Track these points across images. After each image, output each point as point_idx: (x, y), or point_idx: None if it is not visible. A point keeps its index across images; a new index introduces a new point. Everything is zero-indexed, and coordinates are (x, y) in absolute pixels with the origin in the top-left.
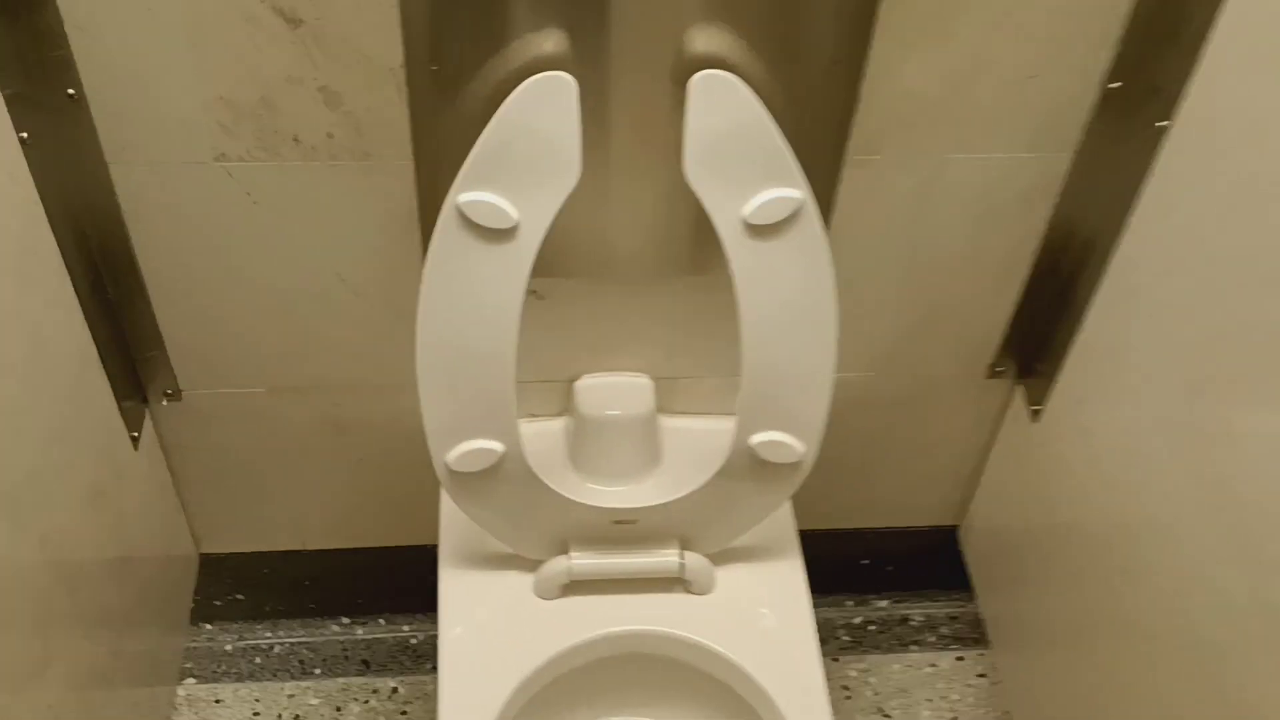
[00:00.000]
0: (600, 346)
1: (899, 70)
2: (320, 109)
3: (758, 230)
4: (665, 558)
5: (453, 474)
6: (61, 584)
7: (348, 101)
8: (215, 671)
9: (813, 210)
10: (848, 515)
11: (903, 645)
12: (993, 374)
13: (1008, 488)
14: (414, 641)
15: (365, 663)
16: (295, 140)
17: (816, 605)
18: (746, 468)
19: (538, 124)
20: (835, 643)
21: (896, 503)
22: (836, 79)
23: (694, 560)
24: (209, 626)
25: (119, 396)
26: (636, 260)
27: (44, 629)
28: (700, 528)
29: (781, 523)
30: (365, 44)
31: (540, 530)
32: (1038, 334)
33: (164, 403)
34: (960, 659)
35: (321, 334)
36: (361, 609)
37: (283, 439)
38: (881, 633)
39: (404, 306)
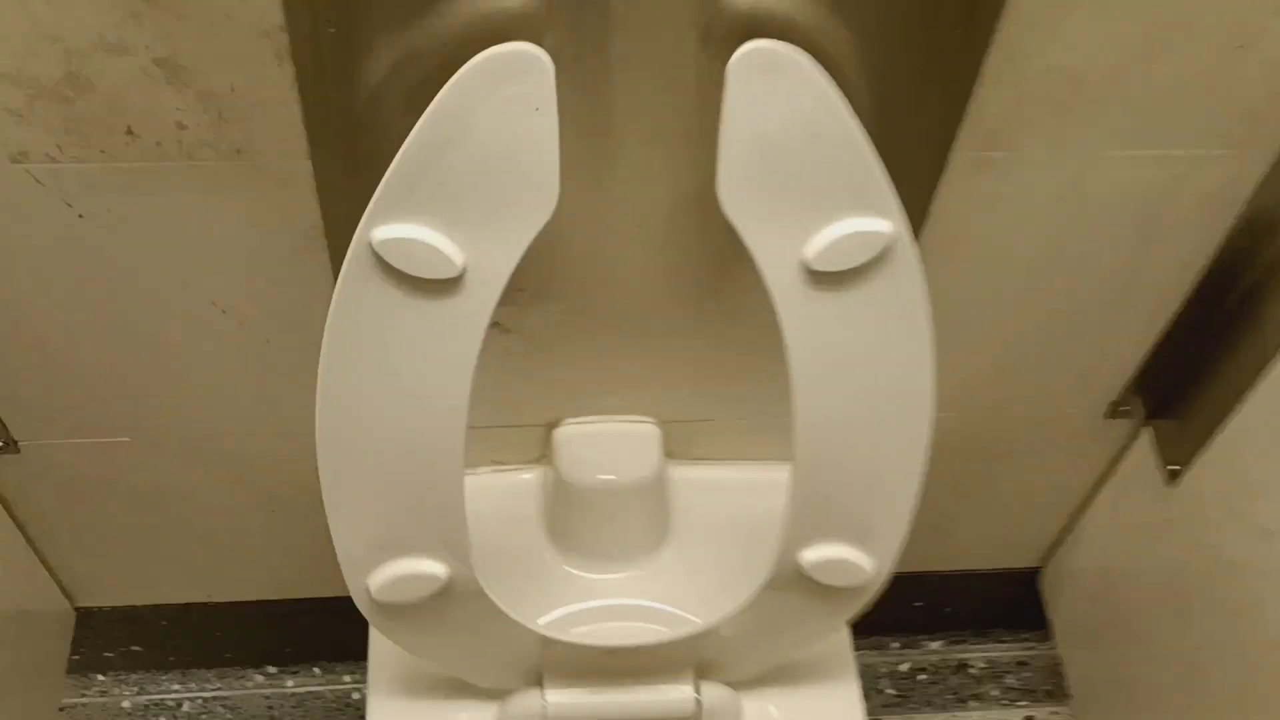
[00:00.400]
0: (588, 383)
1: (1046, 37)
2: (160, 89)
3: (824, 278)
4: (675, 694)
5: (376, 604)
6: None
7: (201, 78)
8: None
9: (907, 248)
10: (906, 560)
11: (960, 700)
12: (1115, 414)
13: (1119, 536)
14: (357, 696)
15: None
16: (129, 133)
17: (855, 647)
18: (794, 587)
19: (493, 124)
20: (877, 698)
21: (970, 549)
22: (950, 49)
23: (714, 695)
24: (101, 677)
25: None
26: (639, 289)
27: None
28: (725, 653)
29: (834, 639)
30: None
31: (504, 663)
32: (1184, 372)
33: None
34: (1029, 718)
35: (201, 375)
36: (291, 655)
37: (169, 493)
38: (934, 684)
39: (312, 339)
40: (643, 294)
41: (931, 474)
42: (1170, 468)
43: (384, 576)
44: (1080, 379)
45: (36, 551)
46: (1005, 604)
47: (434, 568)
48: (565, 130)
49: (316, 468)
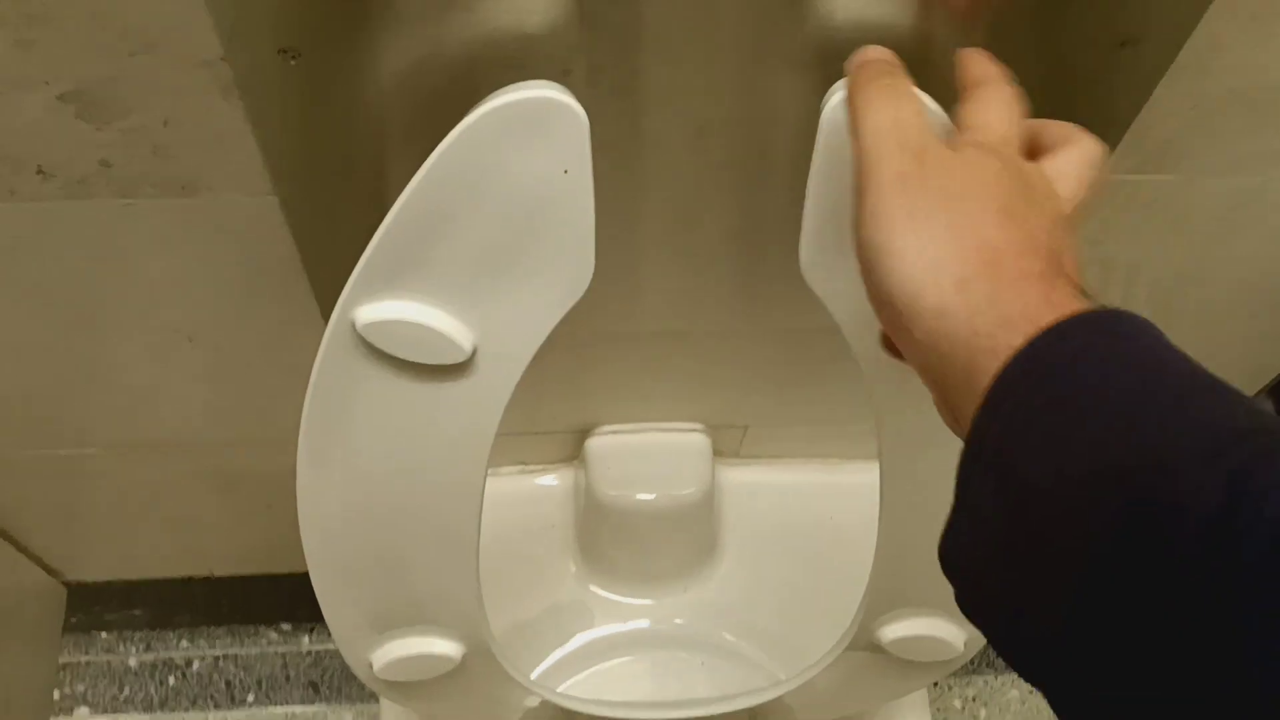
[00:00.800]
0: (624, 386)
1: (1242, 50)
2: (75, 126)
3: None
4: None
5: (381, 681)
6: None
7: (131, 113)
8: (115, 698)
9: None
10: None
11: None
12: None
13: None
14: None
15: (313, 685)
16: (39, 172)
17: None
18: (871, 660)
19: (511, 186)
20: None
21: None
22: (1119, 70)
23: None
24: (104, 636)
25: None
26: (688, 317)
27: None
28: (785, 713)
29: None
30: (137, 19)
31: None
32: None
33: None
34: None
35: (171, 394)
36: (306, 612)
37: (148, 496)
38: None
39: (295, 364)
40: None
41: None
42: None
43: (390, 656)
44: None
45: (13, 542)
46: None
47: (447, 648)
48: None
49: None
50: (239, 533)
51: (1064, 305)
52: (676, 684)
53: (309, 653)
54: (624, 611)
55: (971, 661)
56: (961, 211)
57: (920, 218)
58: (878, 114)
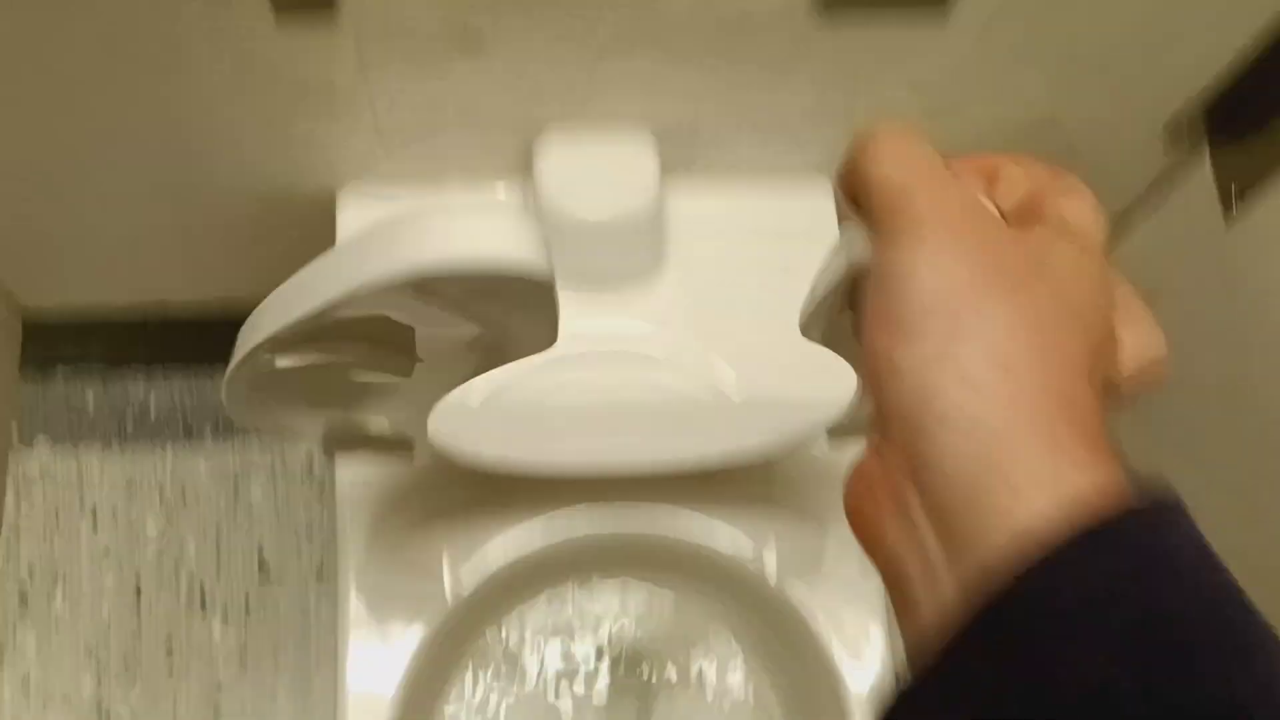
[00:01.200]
0: (570, 85)
1: None
2: None
3: None
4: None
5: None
6: None
7: None
8: (76, 431)
9: None
10: None
11: None
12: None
13: None
14: None
15: None
16: None
17: None
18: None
19: None
20: None
21: None
22: None
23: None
24: (60, 370)
25: None
26: None
27: None
28: None
29: None
30: None
31: None
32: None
33: None
34: None
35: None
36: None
37: (105, 217)
38: None
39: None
40: None
41: None
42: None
43: None
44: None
45: None
46: None
47: None
48: None
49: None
50: (193, 256)
51: (1111, 480)
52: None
53: None
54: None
55: None
56: (1040, 309)
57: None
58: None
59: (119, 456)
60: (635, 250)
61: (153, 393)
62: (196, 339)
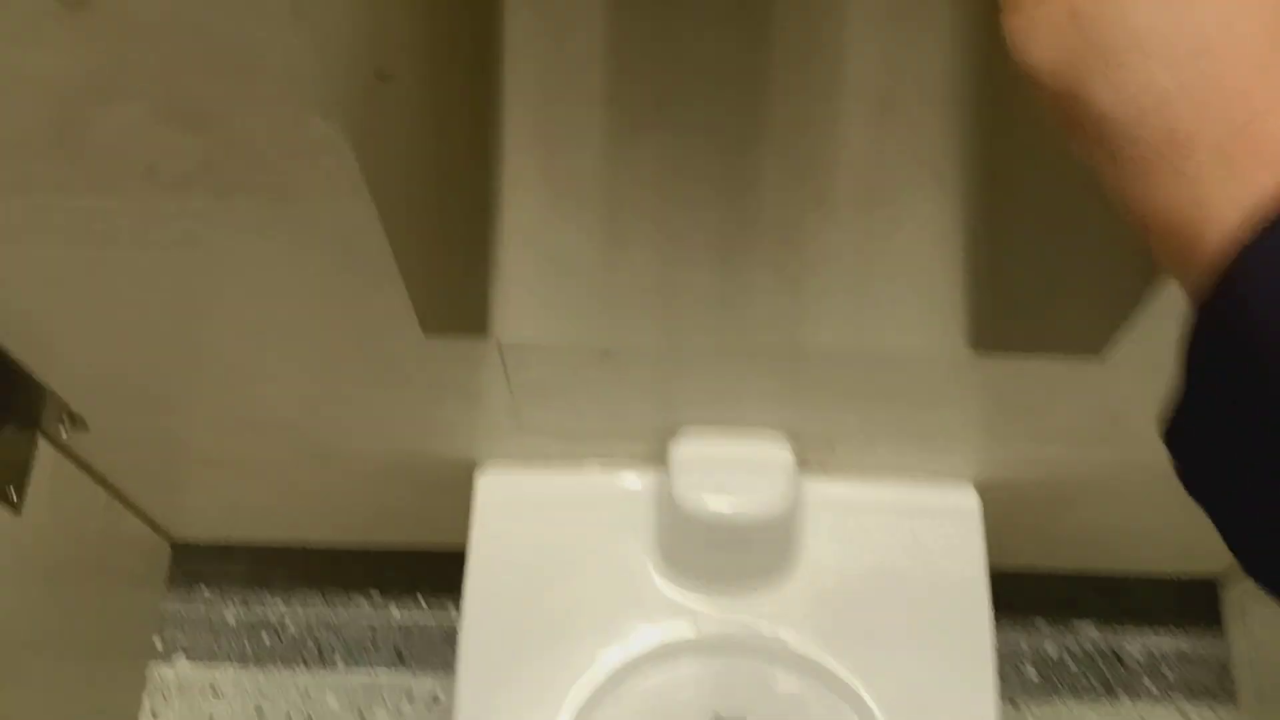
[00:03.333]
0: (707, 397)
1: None
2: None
3: None
4: None
5: None
6: None
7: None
8: (213, 649)
9: None
10: (1064, 559)
11: (1109, 691)
12: None
13: None
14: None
15: (399, 653)
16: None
17: (1002, 626)
18: None
19: None
20: (1017, 680)
21: (1149, 553)
22: None
23: None
24: (205, 590)
25: None
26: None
27: None
28: None
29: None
30: (235, 38)
31: None
32: None
33: (64, 434)
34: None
35: (271, 374)
36: (395, 583)
37: (248, 467)
38: (1083, 671)
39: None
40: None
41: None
42: None
43: None
44: None
45: (121, 499)
46: (1176, 587)
47: None
48: None
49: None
50: (334, 504)
51: None
52: (741, 694)
53: (397, 624)
54: (701, 618)
55: (1050, 680)
56: None
57: None
58: None
59: (252, 675)
60: (766, 550)
61: (289, 616)
62: (334, 567)
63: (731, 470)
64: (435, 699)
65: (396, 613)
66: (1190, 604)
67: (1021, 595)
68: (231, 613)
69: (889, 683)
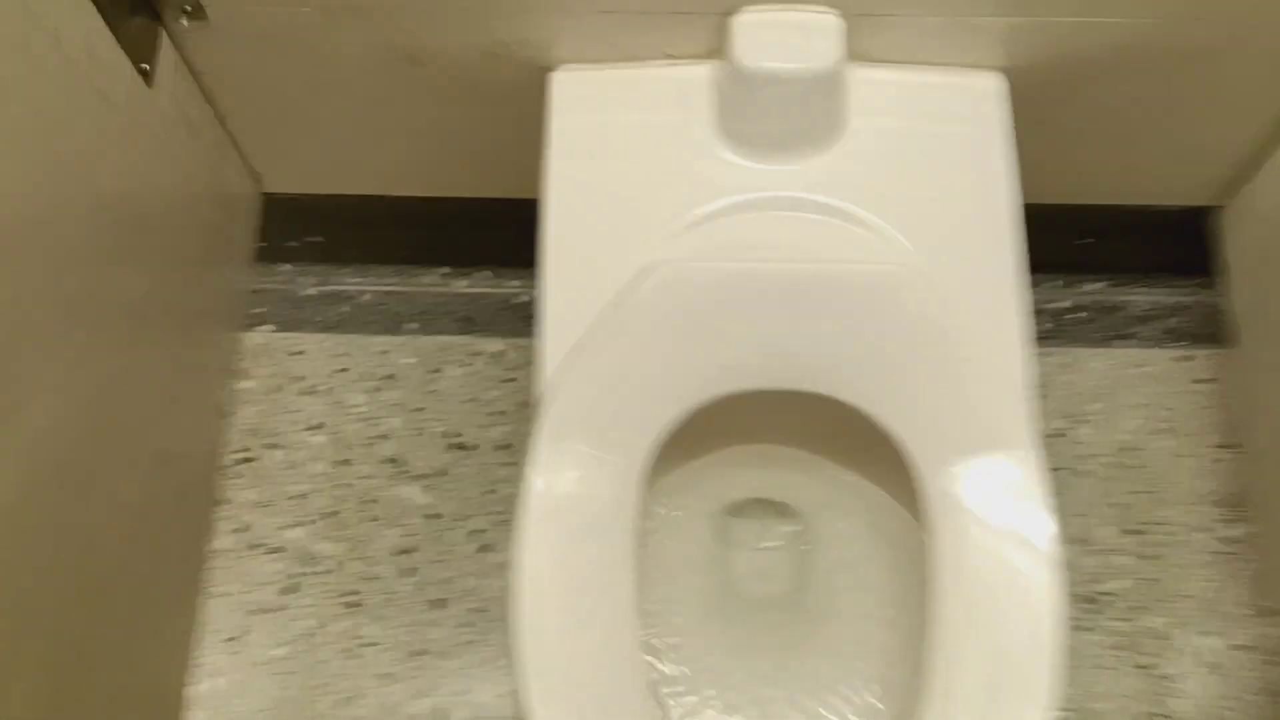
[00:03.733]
0: None
1: None
2: None
3: None
4: None
5: None
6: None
7: None
8: (295, 318)
9: None
10: (1076, 190)
11: (1112, 338)
12: None
13: None
14: (522, 299)
15: (467, 319)
16: None
17: None
18: None
19: None
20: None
21: (1144, 176)
22: None
23: None
24: (285, 266)
25: (116, 25)
26: None
27: (72, 251)
28: None
29: None
30: None
31: None
32: None
33: (184, 22)
34: (1183, 359)
35: None
36: (462, 258)
37: (345, 71)
38: (1089, 321)
39: None
40: None
41: (1115, 89)
42: None
43: None
44: None
45: (227, 132)
46: (1173, 241)
47: None
48: None
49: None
50: (414, 139)
51: None
52: (806, 242)
53: (464, 294)
54: (759, 177)
55: (1062, 331)
56: None
57: None
58: None
59: (334, 339)
60: (815, 114)
61: (364, 288)
62: (403, 246)
63: (786, 33)
64: (500, 354)
65: (463, 284)
66: (1185, 259)
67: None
68: (311, 288)
69: (922, 228)
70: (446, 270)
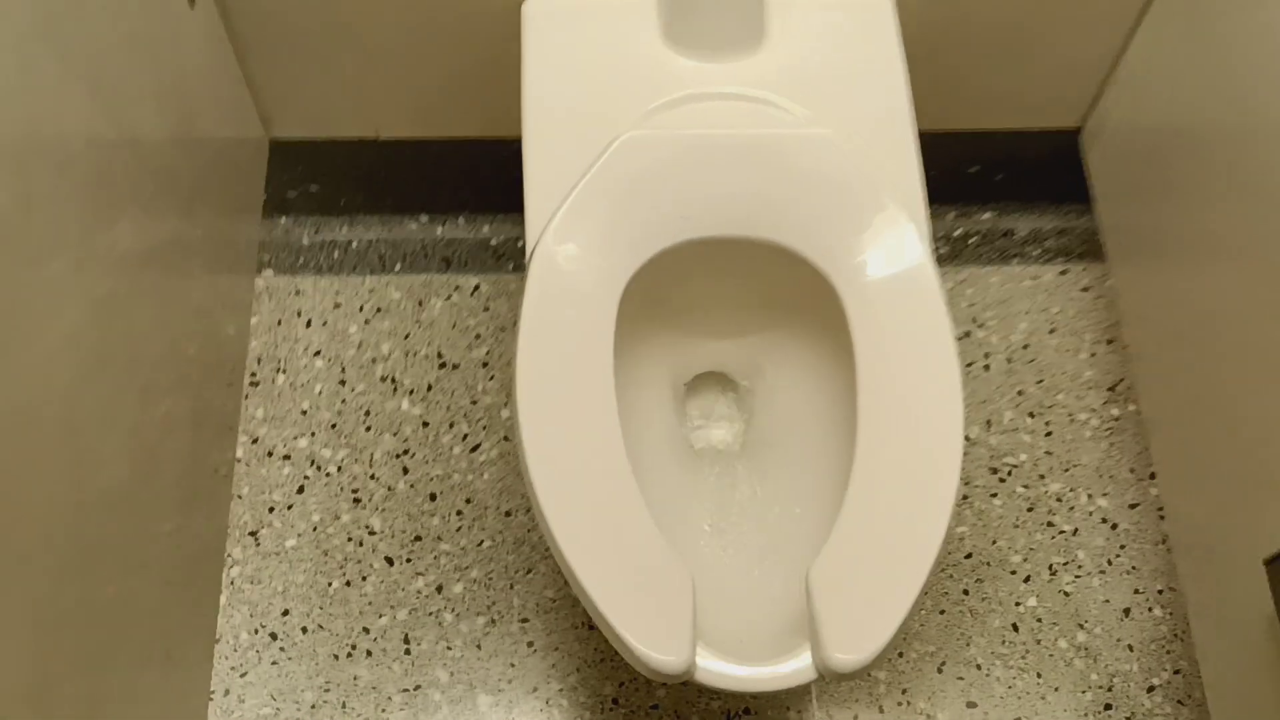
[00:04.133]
0: None
1: None
2: None
3: None
4: None
5: None
6: (120, 145)
7: None
8: (294, 264)
9: None
10: (963, 114)
11: (1004, 258)
12: None
13: (1152, 71)
14: (495, 242)
15: (446, 260)
16: None
17: None
18: None
19: None
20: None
21: (1018, 98)
22: None
23: None
24: (284, 219)
25: None
26: None
27: (106, 185)
28: None
29: None
30: None
31: None
32: None
33: None
34: (1064, 272)
35: None
36: (440, 206)
37: (349, 5)
38: (982, 245)
39: None
40: None
41: (978, 8)
42: None
43: None
44: None
45: (245, 73)
46: (1052, 171)
47: None
48: None
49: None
50: (405, 78)
51: None
52: (741, 122)
53: (442, 238)
54: (699, 73)
55: (959, 254)
56: None
57: None
58: None
59: (328, 280)
60: (741, 18)
61: (353, 236)
62: (389, 197)
63: None
64: (477, 288)
65: (441, 230)
66: (1065, 189)
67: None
68: (306, 236)
69: (832, 112)
70: (425, 218)
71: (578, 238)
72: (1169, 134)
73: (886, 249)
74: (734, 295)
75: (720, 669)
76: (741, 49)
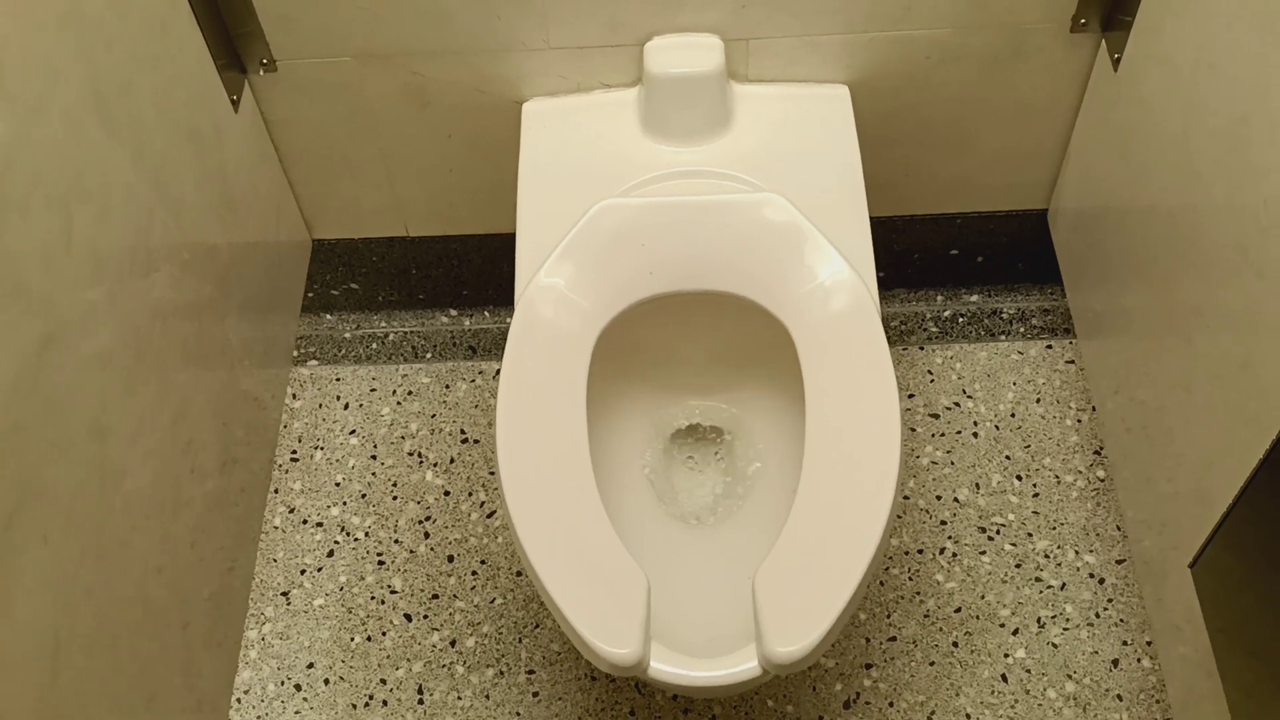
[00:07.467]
0: (669, 7)
1: None
2: None
3: None
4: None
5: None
6: (169, 216)
7: None
8: (336, 355)
9: None
10: (936, 199)
11: (992, 335)
12: (1076, 27)
13: (1094, 158)
14: None
15: (472, 348)
16: None
17: (906, 300)
18: None
19: None
20: (922, 333)
21: (984, 182)
22: None
23: None
24: (329, 316)
25: (218, 64)
26: None
27: (143, 237)
28: None
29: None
30: None
31: None
32: None
33: (261, 73)
34: (1049, 347)
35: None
36: (467, 301)
37: (371, 112)
38: (971, 324)
39: None
40: None
41: (939, 91)
42: (1115, 56)
43: None
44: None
45: (289, 180)
46: (1028, 253)
47: None
48: None
49: (481, 95)
50: (429, 181)
51: None
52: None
53: (469, 330)
54: (674, 157)
55: (948, 333)
56: None
57: None
58: None
59: (366, 369)
60: (709, 107)
61: (390, 329)
62: (422, 294)
63: (683, 50)
64: (498, 372)
65: (469, 322)
66: (1045, 268)
67: (918, 274)
68: (348, 330)
69: (791, 188)
70: (454, 312)
71: (558, 286)
72: (1116, 214)
73: (829, 285)
74: (710, 349)
75: (670, 668)
76: (710, 135)
